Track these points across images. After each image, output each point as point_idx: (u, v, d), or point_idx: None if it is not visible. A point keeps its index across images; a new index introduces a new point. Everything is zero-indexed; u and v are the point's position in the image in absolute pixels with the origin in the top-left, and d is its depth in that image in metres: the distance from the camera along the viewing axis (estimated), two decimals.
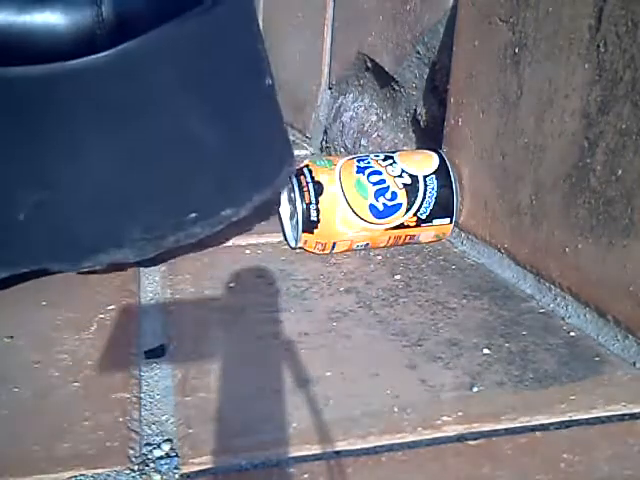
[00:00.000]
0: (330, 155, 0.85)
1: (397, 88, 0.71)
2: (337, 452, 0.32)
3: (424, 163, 0.55)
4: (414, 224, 0.54)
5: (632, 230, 0.39)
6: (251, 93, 0.49)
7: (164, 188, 0.45)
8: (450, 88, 0.57)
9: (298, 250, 0.56)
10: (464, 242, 0.57)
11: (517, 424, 0.34)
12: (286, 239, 0.57)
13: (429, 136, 0.66)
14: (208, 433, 0.33)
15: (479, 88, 0.53)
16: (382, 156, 0.55)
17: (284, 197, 0.56)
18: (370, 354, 0.41)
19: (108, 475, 0.31)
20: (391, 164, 0.54)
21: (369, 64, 0.77)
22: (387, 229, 0.54)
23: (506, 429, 0.34)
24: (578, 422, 0.34)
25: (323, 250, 0.55)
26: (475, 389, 0.37)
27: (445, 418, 0.35)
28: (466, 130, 0.55)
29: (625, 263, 0.40)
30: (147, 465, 0.32)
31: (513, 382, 0.38)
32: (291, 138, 0.57)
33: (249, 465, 0.31)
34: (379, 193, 0.53)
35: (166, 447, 0.33)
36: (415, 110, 0.68)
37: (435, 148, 0.57)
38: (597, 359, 0.40)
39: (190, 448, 0.32)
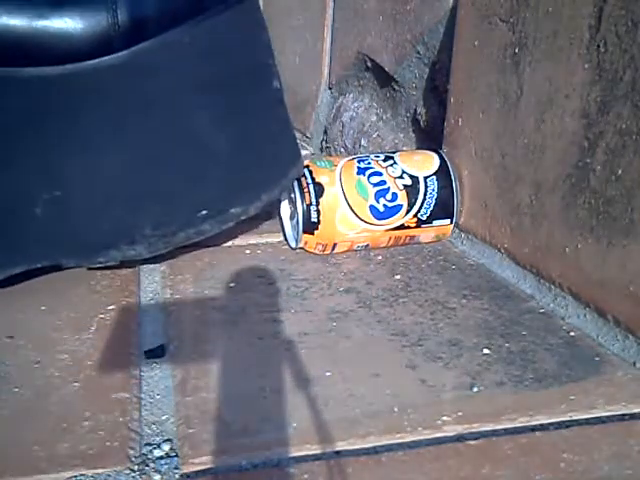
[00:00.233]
0: (330, 155, 0.85)
1: (397, 88, 0.71)
2: (337, 452, 0.32)
3: (425, 164, 0.55)
4: (414, 225, 0.54)
5: (632, 230, 0.39)
6: (260, 95, 0.49)
7: (175, 186, 0.46)
8: (450, 88, 0.57)
9: (298, 250, 0.56)
10: (464, 242, 0.57)
11: (517, 424, 0.34)
12: (286, 239, 0.57)
13: (429, 136, 0.66)
14: (208, 433, 0.33)
15: (479, 88, 0.53)
16: (383, 157, 0.55)
17: (284, 197, 0.56)
18: (370, 354, 0.41)
19: (108, 475, 0.31)
20: (392, 165, 0.54)
21: (369, 64, 0.77)
22: (387, 230, 0.54)
23: (506, 429, 0.34)
24: (578, 422, 0.34)
25: (323, 251, 0.55)
26: (475, 389, 0.37)
27: (445, 418, 0.35)
28: (466, 130, 0.55)
29: (625, 263, 0.40)
30: (147, 465, 0.32)
31: (513, 382, 0.38)
32: None
33: (249, 465, 0.31)
34: (380, 194, 0.53)
35: (166, 447, 0.33)
36: (415, 110, 0.68)
37: (436, 148, 0.57)
38: (597, 359, 0.40)
39: (190, 448, 0.32)
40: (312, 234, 0.53)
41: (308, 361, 0.40)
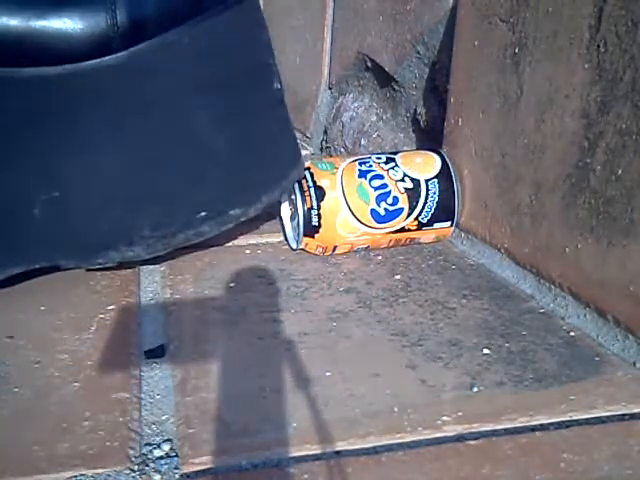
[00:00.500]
0: (331, 157, 0.85)
1: (397, 88, 0.71)
2: (337, 452, 0.32)
3: (426, 166, 0.55)
4: (415, 228, 0.55)
5: (632, 230, 0.39)
6: (260, 96, 0.49)
7: (174, 187, 0.46)
8: (450, 88, 0.57)
9: (298, 250, 0.56)
10: (464, 242, 0.57)
11: (517, 424, 0.34)
12: (287, 240, 0.57)
13: (429, 136, 0.66)
14: (208, 433, 0.33)
15: (479, 88, 0.53)
16: (384, 158, 0.55)
17: (285, 199, 0.56)
18: (370, 354, 0.41)
19: (108, 475, 0.31)
20: (393, 167, 0.54)
21: (369, 64, 0.77)
22: (388, 233, 0.54)
23: (506, 429, 0.34)
24: (578, 422, 0.34)
25: (324, 253, 0.55)
26: (475, 389, 0.37)
27: (445, 418, 0.35)
28: (466, 130, 0.55)
29: (625, 263, 0.40)
30: (147, 465, 0.32)
31: (513, 382, 0.38)
32: None
33: (249, 465, 0.31)
34: (381, 198, 0.53)
35: (166, 447, 0.33)
36: (415, 110, 0.68)
37: (437, 149, 0.57)
38: (597, 359, 0.40)
39: (190, 448, 0.32)
40: (313, 237, 0.53)
41: (308, 361, 0.40)
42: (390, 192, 0.53)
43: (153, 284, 0.51)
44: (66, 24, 0.44)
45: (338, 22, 0.85)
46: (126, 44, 0.44)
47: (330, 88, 0.89)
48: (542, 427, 0.34)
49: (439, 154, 0.56)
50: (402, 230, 0.54)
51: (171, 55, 0.45)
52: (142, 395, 0.37)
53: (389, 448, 0.32)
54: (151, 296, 0.49)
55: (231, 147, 0.48)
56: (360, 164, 0.54)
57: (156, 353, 0.41)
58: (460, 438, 0.33)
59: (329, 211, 0.52)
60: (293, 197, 0.54)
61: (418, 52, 0.66)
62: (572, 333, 0.43)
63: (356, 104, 0.82)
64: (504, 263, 0.52)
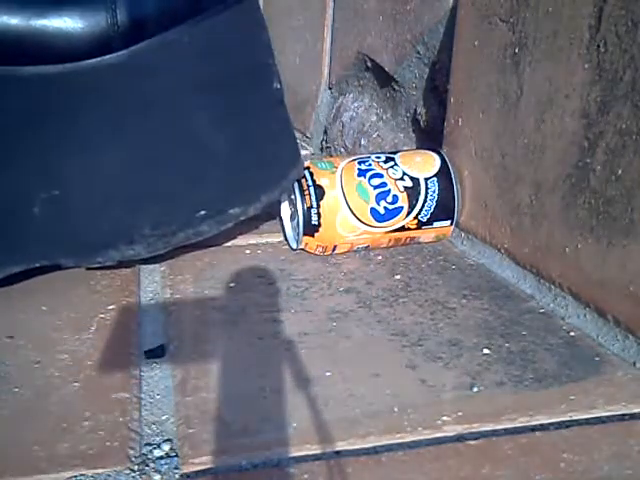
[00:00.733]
0: (331, 156, 0.85)
1: (397, 88, 0.71)
2: (337, 452, 0.32)
3: (426, 165, 0.55)
4: (415, 227, 0.55)
5: (632, 230, 0.39)
6: (260, 96, 0.50)
7: (173, 186, 0.46)
8: (450, 88, 0.57)
9: (298, 250, 0.56)
10: (464, 242, 0.57)
11: (517, 424, 0.34)
12: (287, 239, 0.57)
13: (429, 136, 0.66)
14: (208, 433, 0.33)
15: (479, 88, 0.53)
16: (383, 157, 0.55)
17: (284, 198, 0.56)
18: (370, 354, 0.41)
19: (108, 475, 0.31)
20: (392, 166, 0.54)
21: (369, 64, 0.77)
22: (388, 232, 0.54)
23: (506, 429, 0.34)
24: (578, 422, 0.34)
25: (324, 252, 0.55)
26: (475, 389, 0.37)
27: (445, 418, 0.35)
28: (466, 130, 0.55)
29: (625, 263, 0.40)
30: (147, 465, 0.32)
31: (513, 382, 0.38)
32: None
33: (249, 465, 0.31)
34: (380, 197, 0.53)
35: (166, 447, 0.33)
36: (415, 110, 0.68)
37: (437, 148, 0.57)
38: (597, 359, 0.40)
39: (190, 448, 0.32)
40: (312, 236, 0.53)
41: (308, 361, 0.40)
42: (390, 191, 0.53)
43: (153, 284, 0.51)
44: (66, 23, 0.44)
45: (338, 22, 0.85)
46: (126, 43, 0.44)
47: (330, 88, 0.89)
48: (542, 427, 0.34)
49: (438, 153, 0.56)
50: (402, 229, 0.54)
51: (171, 54, 0.45)
52: (142, 395, 0.37)
53: (389, 448, 0.32)
54: (151, 296, 0.49)
55: (231, 147, 0.48)
56: (359, 163, 0.54)
57: (156, 353, 0.41)
58: (460, 438, 0.33)
59: (329, 210, 0.52)
60: (293, 197, 0.54)
61: (418, 52, 0.66)
62: (572, 333, 0.43)
63: (356, 104, 0.82)
64: (504, 263, 0.52)
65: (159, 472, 0.31)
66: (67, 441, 0.33)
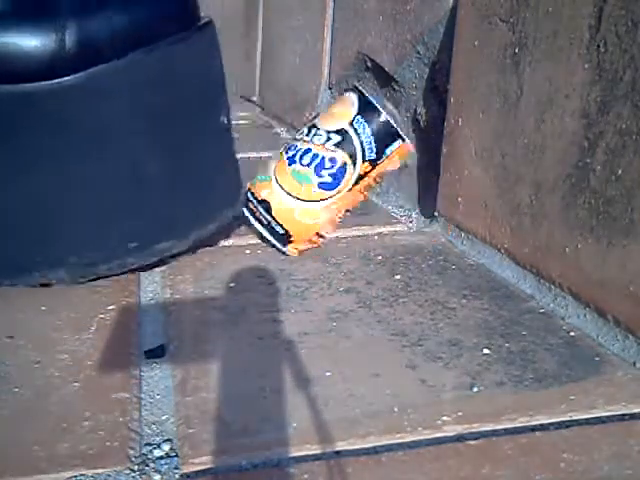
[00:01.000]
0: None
1: (397, 88, 0.71)
2: (337, 452, 0.32)
3: (345, 111, 0.54)
4: (370, 167, 0.54)
5: (632, 230, 0.39)
6: (204, 130, 0.50)
7: (102, 214, 0.46)
8: (450, 88, 0.57)
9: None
10: (464, 242, 0.57)
11: (517, 424, 0.34)
12: (278, 249, 0.57)
13: (429, 136, 0.66)
14: (208, 433, 0.33)
15: (479, 88, 0.53)
16: (305, 130, 0.55)
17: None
18: (370, 354, 0.41)
19: (108, 475, 0.31)
20: (315, 134, 0.54)
21: (369, 64, 0.77)
22: (350, 190, 0.54)
23: (506, 429, 0.34)
24: (578, 422, 0.34)
25: (316, 243, 0.55)
26: (475, 389, 0.37)
27: (445, 418, 0.35)
28: (466, 130, 0.55)
29: (625, 263, 0.40)
30: (147, 465, 0.32)
31: (513, 382, 0.38)
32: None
33: (249, 465, 0.31)
34: (318, 169, 0.53)
35: (166, 447, 0.33)
36: (415, 110, 0.68)
37: (352, 87, 0.56)
38: (597, 359, 0.40)
39: (190, 448, 0.32)
40: (291, 242, 0.54)
41: (308, 361, 0.40)
42: (323, 158, 0.53)
43: (153, 284, 0.51)
44: (14, 43, 0.44)
45: (338, 22, 0.85)
46: (74, 67, 0.44)
47: (330, 88, 0.89)
48: (542, 427, 0.34)
49: (353, 90, 0.55)
50: (361, 178, 0.54)
51: (118, 81, 0.45)
52: (142, 395, 0.37)
53: (389, 448, 0.32)
54: (151, 296, 0.49)
55: (165, 180, 0.48)
56: (287, 151, 0.54)
57: (156, 353, 0.41)
58: (460, 438, 0.33)
59: (283, 214, 0.53)
60: (252, 222, 0.55)
61: (418, 52, 0.66)
62: (572, 333, 0.43)
63: None
64: (504, 263, 0.52)
65: (159, 472, 0.31)
66: (67, 441, 0.33)
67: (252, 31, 1.22)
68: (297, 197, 0.53)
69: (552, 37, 0.45)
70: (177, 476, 0.31)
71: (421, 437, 0.33)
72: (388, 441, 0.33)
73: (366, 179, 0.54)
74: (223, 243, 0.59)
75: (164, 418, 0.35)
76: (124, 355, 0.41)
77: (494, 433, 0.34)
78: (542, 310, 0.46)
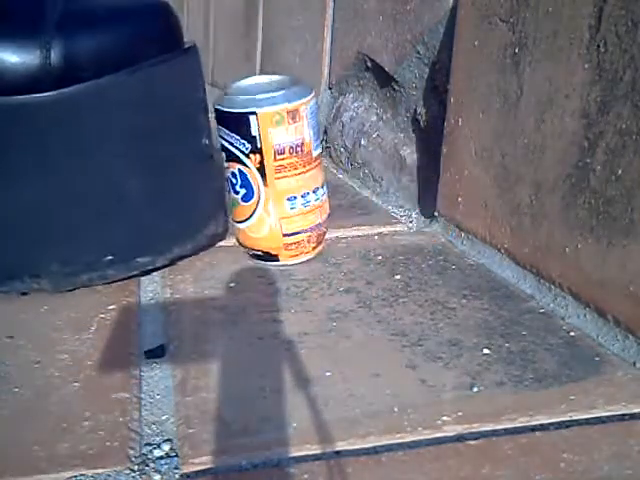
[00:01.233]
0: (330, 156, 0.85)
1: (397, 88, 0.71)
2: (337, 452, 0.32)
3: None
4: (260, 157, 0.51)
5: (632, 230, 0.39)
6: (186, 150, 0.50)
7: (83, 227, 0.47)
8: (450, 88, 0.57)
9: None
10: (464, 242, 0.57)
11: (517, 424, 0.34)
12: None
13: (429, 136, 0.66)
14: (208, 433, 0.33)
15: (479, 88, 0.53)
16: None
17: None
18: (370, 354, 0.41)
19: (108, 475, 0.31)
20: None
21: (369, 64, 0.77)
22: (267, 185, 0.52)
23: (506, 429, 0.34)
24: (578, 422, 0.34)
25: (307, 246, 0.54)
26: (475, 389, 0.37)
27: (445, 418, 0.35)
28: (466, 130, 0.55)
29: (625, 263, 0.40)
30: (147, 465, 0.32)
31: (513, 382, 0.38)
32: None
33: (249, 465, 0.31)
34: (233, 188, 0.53)
35: (166, 447, 0.33)
36: (415, 110, 0.68)
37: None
38: (597, 359, 0.40)
39: (190, 448, 0.32)
40: (277, 261, 0.54)
41: (308, 361, 0.40)
42: (229, 177, 0.53)
43: (153, 284, 0.51)
44: (5, 57, 0.44)
45: (338, 22, 0.85)
46: (57, 84, 0.45)
47: (330, 88, 0.89)
48: (542, 427, 0.34)
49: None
50: (264, 167, 0.51)
51: (99, 101, 0.46)
52: (142, 395, 0.37)
53: (389, 448, 0.32)
54: (151, 296, 0.49)
55: (147, 196, 0.49)
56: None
57: (156, 353, 0.41)
58: (460, 438, 0.33)
59: (249, 241, 0.54)
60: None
61: (418, 52, 0.66)
62: (572, 333, 0.43)
63: (356, 104, 0.82)
64: (504, 263, 0.52)
65: (159, 472, 0.31)
66: (67, 441, 0.33)
67: (252, 31, 1.22)
68: (242, 220, 0.54)
69: (552, 37, 0.45)
70: (177, 476, 0.31)
71: (421, 437, 0.33)
72: (388, 441, 0.33)
73: (272, 164, 0.51)
74: (223, 243, 0.58)
75: (164, 418, 0.35)
76: (124, 355, 0.41)
77: (494, 433, 0.34)
78: (542, 310, 0.46)
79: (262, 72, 1.19)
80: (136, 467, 0.31)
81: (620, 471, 0.31)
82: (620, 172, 0.40)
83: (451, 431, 0.34)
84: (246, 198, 0.52)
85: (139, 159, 0.48)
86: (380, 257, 0.55)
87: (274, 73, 0.55)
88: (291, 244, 0.53)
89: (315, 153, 0.53)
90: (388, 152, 0.73)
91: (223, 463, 0.32)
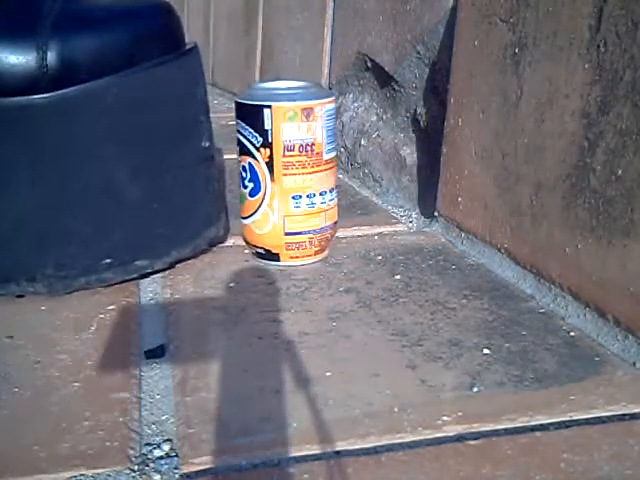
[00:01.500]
0: None
1: (397, 88, 0.71)
2: (337, 452, 0.32)
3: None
4: (270, 151, 0.52)
5: (632, 230, 0.39)
6: (186, 153, 0.50)
7: (81, 230, 0.47)
8: (450, 88, 0.57)
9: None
10: (464, 242, 0.57)
11: (517, 424, 0.34)
12: None
13: (429, 136, 0.66)
14: (208, 433, 0.33)
15: (479, 88, 0.53)
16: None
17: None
18: (370, 354, 0.41)
19: (108, 475, 0.31)
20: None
21: (369, 64, 0.77)
22: (274, 180, 0.52)
23: (506, 429, 0.34)
24: (578, 422, 0.34)
25: (309, 249, 0.54)
26: (475, 389, 0.37)
27: (445, 418, 0.35)
28: (466, 130, 0.55)
29: (625, 263, 0.40)
30: (147, 465, 0.32)
31: (513, 382, 0.38)
32: None
33: (249, 465, 0.31)
34: (243, 182, 0.54)
35: (166, 447, 0.33)
36: (415, 110, 0.68)
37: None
38: (597, 359, 0.40)
39: (190, 448, 0.32)
40: (279, 260, 0.54)
41: (308, 361, 0.40)
42: (240, 171, 0.54)
43: (153, 284, 0.51)
44: (0, 58, 0.44)
45: (338, 22, 0.85)
46: (54, 86, 0.44)
47: (330, 88, 0.89)
48: (542, 427, 0.34)
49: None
50: (273, 163, 0.52)
51: (96, 103, 0.45)
52: (142, 395, 0.37)
53: (389, 448, 0.32)
54: (151, 296, 0.49)
55: (145, 200, 0.48)
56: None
57: (156, 353, 0.41)
58: (460, 438, 0.33)
59: (254, 238, 0.54)
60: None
61: (418, 52, 0.66)
62: (572, 333, 0.43)
63: (356, 104, 0.82)
64: (504, 263, 0.52)
65: (159, 472, 0.31)
66: (67, 441, 0.33)
67: (252, 30, 1.22)
68: (248, 216, 0.54)
69: (552, 37, 0.45)
70: (177, 476, 0.31)
71: (421, 437, 0.33)
72: (388, 441, 0.33)
73: (281, 160, 0.51)
74: (223, 243, 0.59)
75: (164, 418, 0.35)
76: (124, 355, 0.41)
77: (494, 433, 0.34)
78: (542, 310, 0.46)
79: (263, 73, 1.19)
80: (136, 467, 0.31)
81: (620, 471, 0.31)
82: (620, 172, 0.40)
83: (451, 431, 0.34)
84: (253, 192, 0.53)
85: (138, 161, 0.47)
86: (380, 257, 0.55)
87: (303, 80, 0.55)
88: (292, 244, 0.53)
89: (327, 156, 0.53)
90: (388, 152, 0.73)
91: (223, 463, 0.32)
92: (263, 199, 0.52)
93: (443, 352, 0.41)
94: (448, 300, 0.48)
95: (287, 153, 0.51)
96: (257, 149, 0.52)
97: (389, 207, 0.69)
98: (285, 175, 0.52)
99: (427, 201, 0.64)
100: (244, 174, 0.53)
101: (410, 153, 0.69)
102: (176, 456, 0.32)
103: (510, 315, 0.45)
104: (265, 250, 0.53)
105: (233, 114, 0.54)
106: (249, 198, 0.53)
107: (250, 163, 0.52)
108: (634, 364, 0.39)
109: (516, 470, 0.31)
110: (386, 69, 0.72)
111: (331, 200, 0.54)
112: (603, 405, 0.36)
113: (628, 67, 0.39)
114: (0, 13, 0.45)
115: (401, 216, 0.66)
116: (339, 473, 0.31)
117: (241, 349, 0.41)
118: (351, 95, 0.83)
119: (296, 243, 0.53)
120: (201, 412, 0.35)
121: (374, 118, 0.77)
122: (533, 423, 0.34)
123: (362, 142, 0.78)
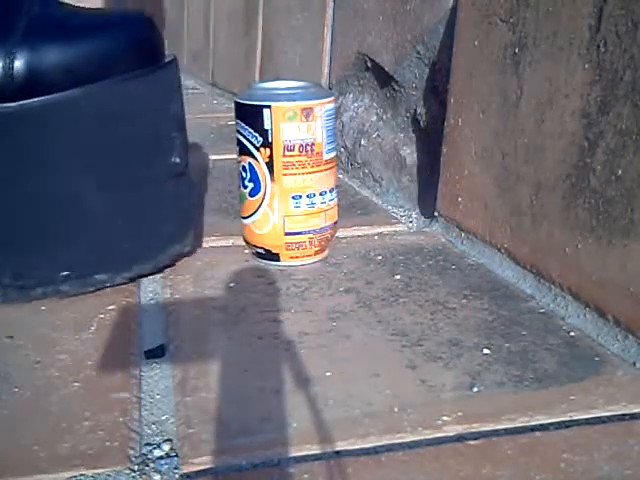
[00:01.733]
0: None
1: (397, 88, 0.71)
2: (337, 452, 0.32)
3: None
4: (270, 151, 0.52)
5: (632, 230, 0.39)
6: (155, 168, 0.49)
7: (40, 241, 0.46)
8: (450, 88, 0.57)
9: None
10: (464, 242, 0.57)
11: (517, 424, 0.34)
12: None
13: (429, 136, 0.66)
14: (208, 433, 0.33)
15: (479, 88, 0.53)
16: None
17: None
18: (370, 354, 0.41)
19: (108, 475, 0.31)
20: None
21: (369, 64, 0.77)
22: (274, 180, 0.52)
23: (506, 429, 0.34)
24: (578, 422, 0.34)
25: (309, 249, 0.54)
26: (475, 389, 0.37)
27: (445, 418, 0.35)
28: (466, 130, 0.55)
29: (625, 263, 0.40)
30: (147, 465, 0.32)
31: (513, 382, 0.38)
32: None
33: (249, 465, 0.31)
34: (242, 182, 0.54)
35: (166, 447, 0.33)
36: (415, 110, 0.68)
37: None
38: (597, 359, 0.40)
39: (190, 448, 0.32)
40: (279, 260, 0.54)
41: (308, 361, 0.40)
42: (240, 171, 0.54)
43: (153, 284, 0.51)
44: None
45: (338, 22, 0.86)
46: (20, 95, 0.44)
47: (330, 88, 0.89)
48: (542, 427, 0.34)
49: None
50: (273, 163, 0.52)
51: (63, 114, 0.45)
52: (142, 395, 0.37)
53: (389, 448, 0.32)
54: (151, 296, 0.49)
55: (108, 213, 0.47)
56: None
57: (156, 353, 0.41)
58: (460, 438, 0.33)
59: (254, 238, 0.54)
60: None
61: (418, 52, 0.66)
62: (572, 333, 0.43)
63: (356, 104, 0.82)
64: (504, 263, 0.52)
65: (159, 472, 0.31)
66: (67, 441, 0.33)
67: (252, 30, 1.22)
68: (248, 216, 0.54)
69: (552, 37, 0.45)
70: (177, 476, 0.31)
71: (421, 437, 0.33)
72: (388, 441, 0.33)
73: (281, 160, 0.52)
74: (223, 243, 0.59)
75: (164, 418, 0.35)
76: (124, 355, 0.41)
77: (494, 433, 0.34)
78: (542, 310, 0.46)
79: (263, 73, 1.19)
80: (136, 467, 0.31)
81: (620, 471, 0.31)
82: (620, 172, 0.40)
83: (451, 431, 0.34)
84: (253, 192, 0.53)
85: (104, 175, 0.46)
86: (380, 257, 0.55)
87: (303, 80, 0.55)
88: (292, 244, 0.53)
89: (327, 156, 0.53)
90: (388, 152, 0.73)
91: (223, 463, 0.32)
92: (263, 199, 0.52)
93: (443, 352, 0.41)
94: (448, 300, 0.48)
95: (287, 153, 0.51)
96: (257, 149, 0.52)
97: (389, 207, 0.69)
98: (285, 175, 0.52)
99: (427, 201, 0.64)
100: (244, 174, 0.53)
101: (410, 153, 0.69)
102: (176, 456, 0.32)
103: (510, 315, 0.45)
104: (265, 250, 0.53)
105: (233, 114, 0.54)
106: (249, 198, 0.53)
107: (250, 163, 0.52)
108: (634, 364, 0.39)
109: (516, 470, 0.31)
110: (386, 69, 0.72)
111: (331, 200, 0.54)
112: (603, 405, 0.36)
113: (628, 67, 0.39)
114: None
115: (401, 216, 0.66)
116: (339, 473, 0.31)
117: (241, 349, 0.41)
118: (351, 95, 0.83)
119: (296, 243, 0.53)
120: (201, 412, 0.35)
121: (374, 118, 0.77)
122: (533, 423, 0.34)
123: (362, 142, 0.78)
